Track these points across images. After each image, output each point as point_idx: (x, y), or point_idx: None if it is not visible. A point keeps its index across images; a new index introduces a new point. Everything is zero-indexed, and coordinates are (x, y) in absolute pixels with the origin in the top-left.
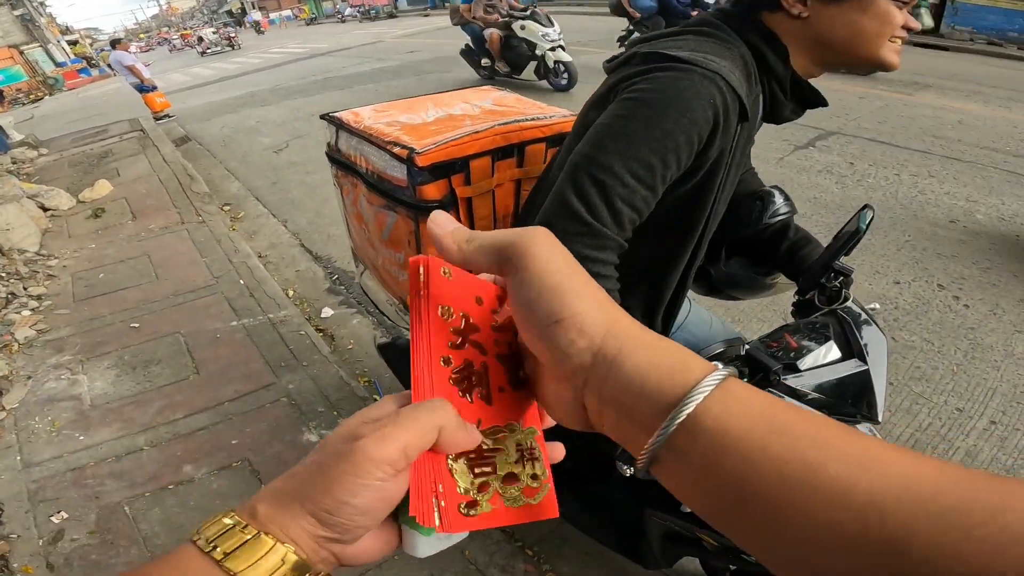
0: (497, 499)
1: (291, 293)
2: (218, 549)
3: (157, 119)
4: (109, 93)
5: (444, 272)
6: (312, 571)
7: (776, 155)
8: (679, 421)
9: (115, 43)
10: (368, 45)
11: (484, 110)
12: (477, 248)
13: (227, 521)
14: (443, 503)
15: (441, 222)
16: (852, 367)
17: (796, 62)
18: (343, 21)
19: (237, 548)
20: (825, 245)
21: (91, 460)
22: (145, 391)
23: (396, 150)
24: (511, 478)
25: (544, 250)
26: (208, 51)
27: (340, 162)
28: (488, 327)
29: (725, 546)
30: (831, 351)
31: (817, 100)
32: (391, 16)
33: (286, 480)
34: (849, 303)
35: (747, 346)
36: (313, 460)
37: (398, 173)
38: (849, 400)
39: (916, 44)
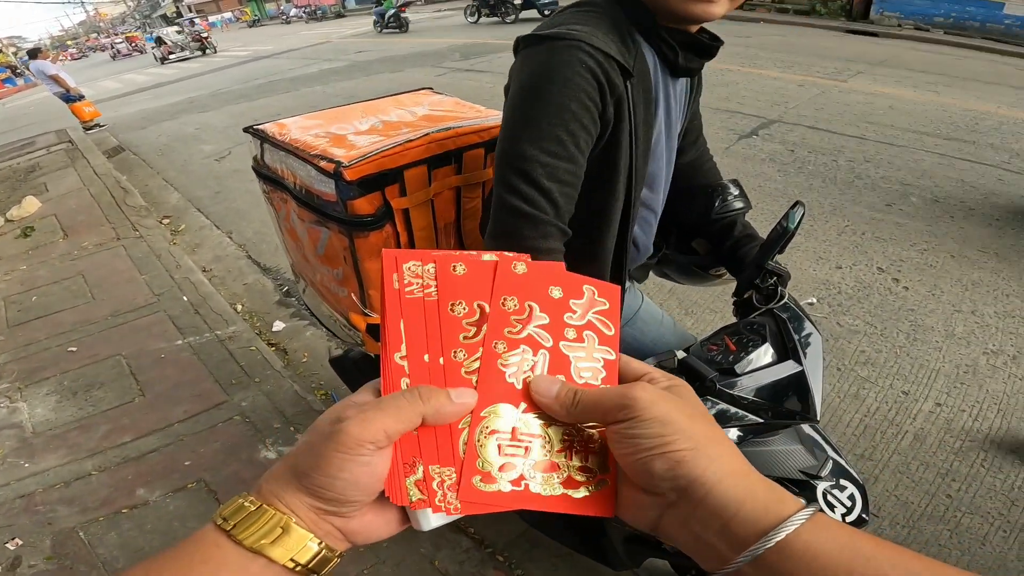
0: (521, 482)
1: (239, 308)
2: (229, 522)
3: (87, 129)
4: (36, 103)
5: (454, 268)
6: (320, 547)
7: (722, 144)
8: (776, 540)
9: (33, 53)
10: (315, 46)
11: (421, 116)
12: (583, 409)
13: (239, 500)
14: (432, 486)
15: (543, 389)
16: (788, 369)
17: (658, 13)
18: (288, 22)
19: (243, 519)
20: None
21: (39, 487)
22: (89, 416)
23: (323, 164)
24: (551, 466)
25: (647, 401)
26: (171, 56)
27: (268, 177)
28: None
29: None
30: (767, 353)
31: (697, 46)
32: (339, 16)
33: (284, 460)
34: (785, 301)
35: (682, 354)
36: (304, 441)
37: (326, 188)
38: (786, 401)
39: (848, 31)
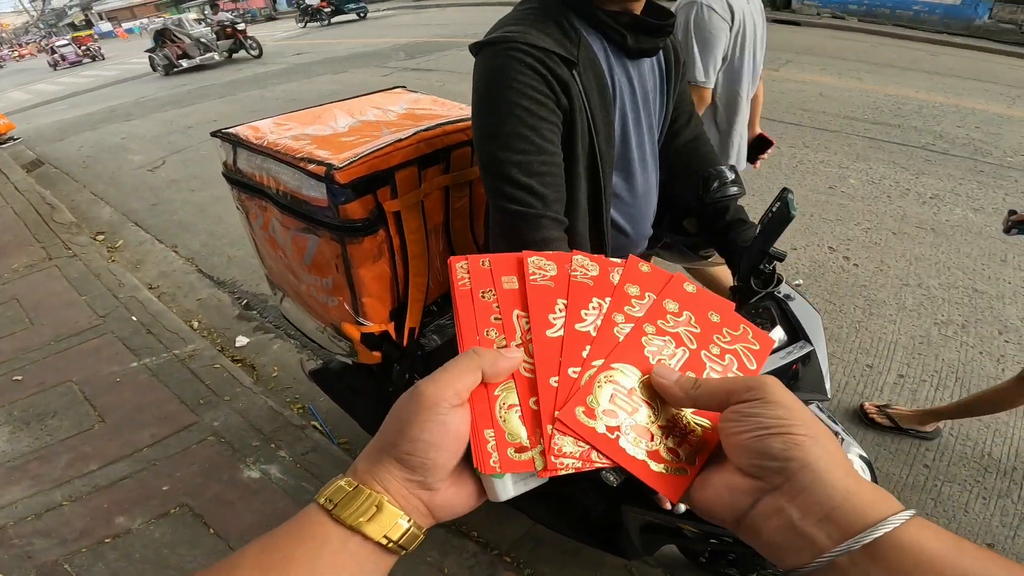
0: (614, 432)
1: (196, 324)
2: (331, 502)
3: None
4: None
5: (483, 263)
6: (409, 524)
7: None
8: (886, 531)
9: None
10: None
11: (401, 115)
12: (703, 393)
13: (338, 483)
14: (497, 450)
15: (665, 373)
16: (801, 349)
17: None
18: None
19: (343, 500)
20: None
21: (9, 520)
22: (47, 445)
23: (311, 167)
24: (647, 433)
25: (775, 388)
26: (184, 62)
27: (242, 183)
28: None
29: (706, 532)
30: (778, 336)
31: (643, 25)
32: (270, 19)
33: (375, 439)
34: (783, 284)
35: None
36: (390, 419)
37: (316, 193)
38: (800, 381)
39: (773, 21)
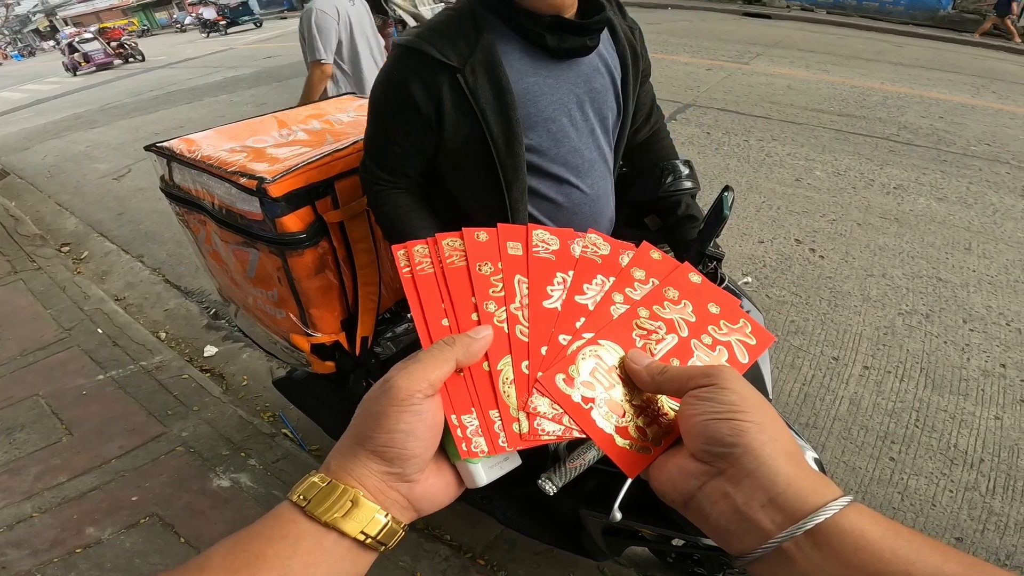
0: (588, 403)
1: (163, 335)
2: (304, 499)
3: None
4: None
5: (478, 236)
6: (387, 519)
7: None
8: (826, 516)
9: None
10: (217, 54)
11: (347, 123)
12: (667, 379)
13: (311, 479)
14: (492, 428)
15: (637, 358)
16: None
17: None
18: (183, 30)
19: (316, 495)
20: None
21: None
22: (15, 459)
23: (243, 181)
24: (619, 409)
25: (730, 376)
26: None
27: (180, 198)
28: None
29: (664, 535)
30: None
31: (565, 25)
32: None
33: (347, 433)
34: (726, 283)
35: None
36: (359, 411)
37: (250, 207)
38: None
39: (745, 14)
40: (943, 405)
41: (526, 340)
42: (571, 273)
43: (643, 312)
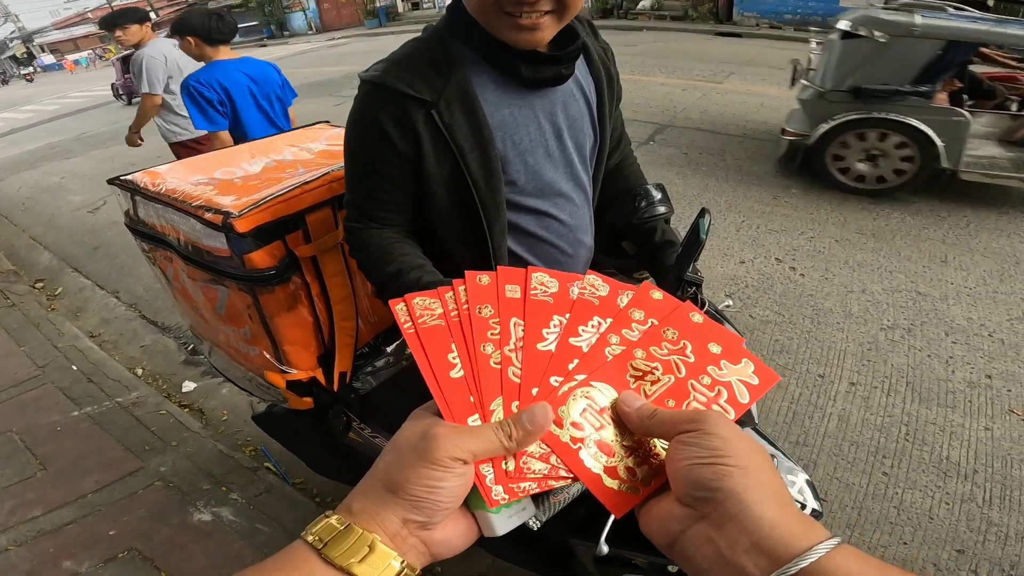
0: (577, 443)
1: (140, 372)
2: (320, 541)
3: None
4: None
5: (480, 280)
6: (402, 566)
7: None
8: (811, 560)
9: None
10: None
11: (319, 152)
12: (656, 423)
13: (328, 520)
14: (498, 481)
15: (629, 400)
16: None
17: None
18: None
19: (333, 538)
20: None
21: None
22: None
23: (208, 216)
24: (608, 449)
25: (717, 422)
26: None
27: (145, 234)
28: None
29: (657, 564)
30: None
31: (539, 56)
32: None
33: (372, 476)
34: (707, 308)
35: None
36: (392, 458)
37: (217, 243)
38: None
39: (717, 33)
40: (932, 418)
41: (518, 381)
42: (567, 315)
43: (639, 353)
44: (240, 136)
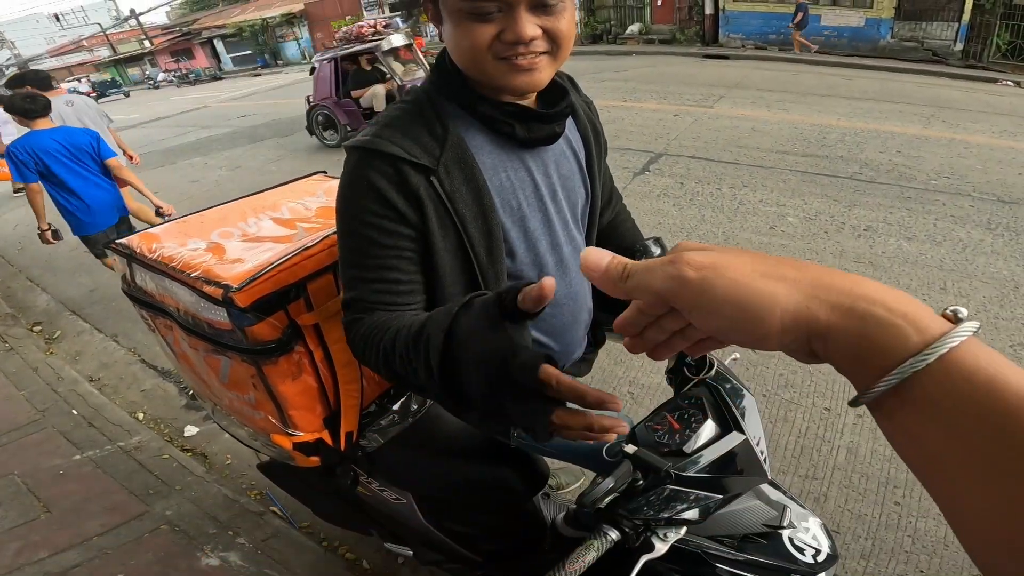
0: None
1: (141, 416)
2: None
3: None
4: None
5: None
6: None
7: (620, 184)
8: (962, 339)
9: None
10: (190, 112)
11: (318, 209)
12: (636, 286)
13: None
14: None
15: (592, 262)
16: (733, 440)
17: (484, 90)
18: (156, 87)
19: None
20: None
21: None
22: None
23: (208, 289)
24: None
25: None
26: None
27: (144, 302)
28: None
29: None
30: (710, 428)
31: (531, 114)
32: (215, 78)
33: None
34: (716, 368)
35: (632, 448)
36: None
37: (217, 316)
38: (737, 470)
39: (705, 56)
40: None
41: None
42: None
43: None
44: (58, 183)
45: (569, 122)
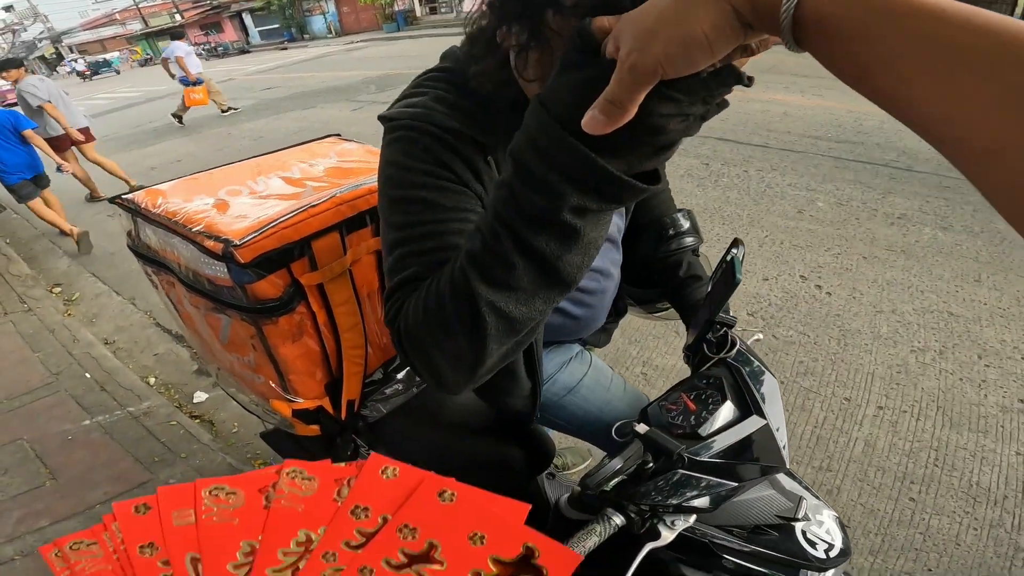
0: None
1: (152, 381)
2: None
3: (175, 115)
4: None
5: (136, 510)
6: None
7: None
8: None
9: (177, 35)
10: (217, 84)
11: (328, 169)
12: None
13: None
14: None
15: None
16: (752, 425)
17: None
18: None
19: None
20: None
21: None
22: None
23: (209, 244)
24: None
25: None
26: None
27: (147, 257)
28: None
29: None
30: (728, 411)
31: None
32: (243, 52)
33: None
34: (737, 347)
35: (643, 428)
36: None
37: (218, 272)
38: (754, 458)
39: None
40: (962, 443)
41: None
42: (260, 538)
43: (367, 573)
44: None
45: None
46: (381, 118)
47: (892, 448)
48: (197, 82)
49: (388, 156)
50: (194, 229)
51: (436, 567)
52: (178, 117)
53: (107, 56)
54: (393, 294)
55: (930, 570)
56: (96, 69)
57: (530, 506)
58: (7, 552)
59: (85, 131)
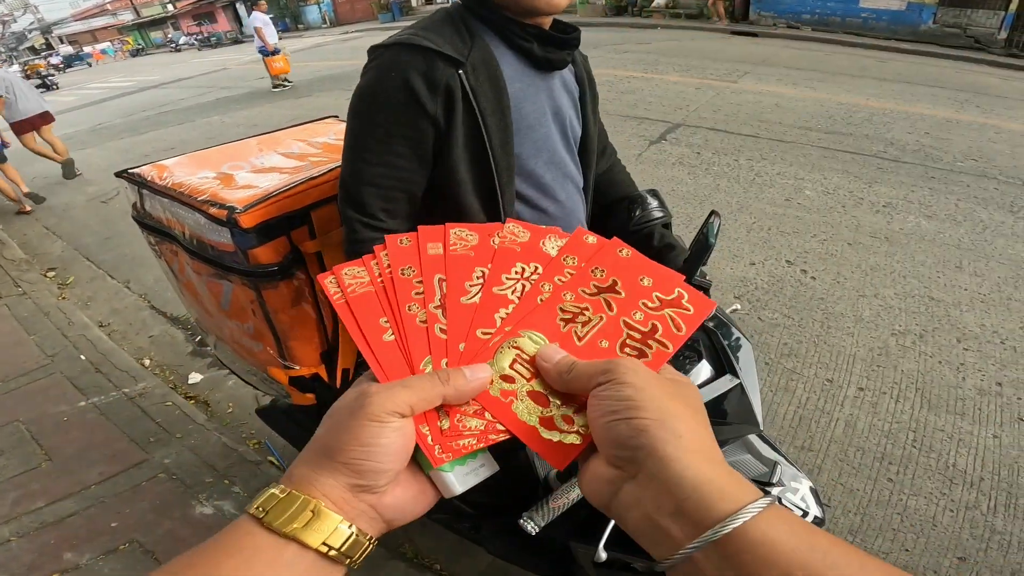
0: (508, 397)
1: (147, 362)
2: (262, 510)
3: (274, 86)
4: None
5: (401, 242)
6: (351, 530)
7: (635, 151)
8: (732, 528)
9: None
10: (210, 74)
11: (327, 145)
12: (575, 376)
13: (270, 490)
14: (436, 440)
15: (547, 355)
16: (726, 384)
17: (507, 8)
18: (178, 50)
19: (275, 506)
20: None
21: None
22: None
23: (213, 211)
24: (542, 399)
25: (627, 369)
26: None
27: (152, 227)
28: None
29: (654, 571)
30: (705, 370)
31: (550, 37)
32: (236, 42)
33: (311, 444)
34: (714, 312)
35: None
36: (330, 423)
37: (221, 238)
38: (729, 415)
39: (732, 32)
40: (940, 425)
41: (444, 338)
42: (489, 266)
43: (568, 296)
44: None
45: (568, 69)
46: (370, 49)
47: (872, 429)
48: (275, 51)
49: (363, 83)
50: (199, 199)
51: (617, 296)
52: (280, 85)
53: (80, 51)
54: (347, 210)
55: (907, 550)
56: (68, 63)
57: (684, 276)
58: (3, 533)
59: (44, 115)
